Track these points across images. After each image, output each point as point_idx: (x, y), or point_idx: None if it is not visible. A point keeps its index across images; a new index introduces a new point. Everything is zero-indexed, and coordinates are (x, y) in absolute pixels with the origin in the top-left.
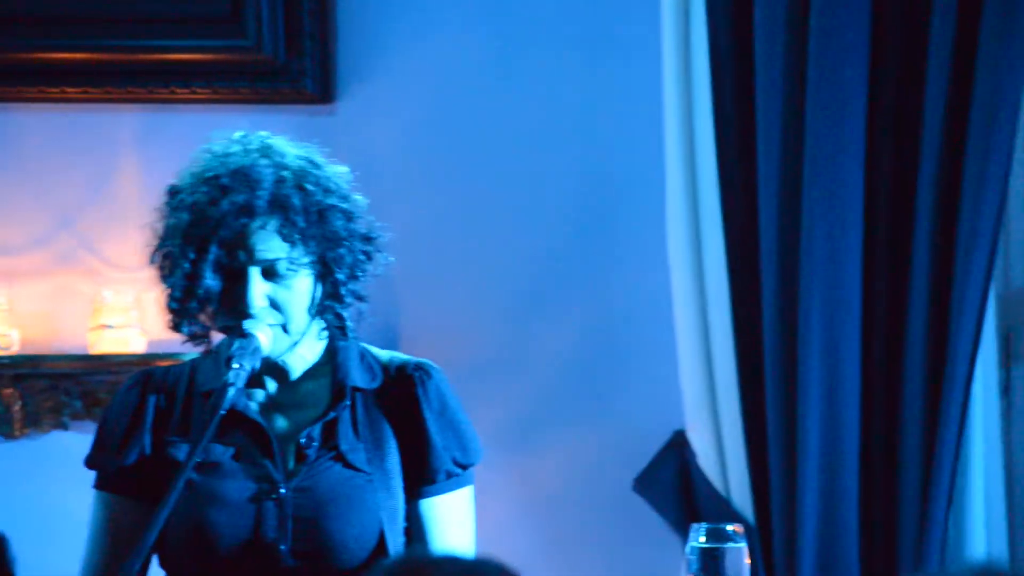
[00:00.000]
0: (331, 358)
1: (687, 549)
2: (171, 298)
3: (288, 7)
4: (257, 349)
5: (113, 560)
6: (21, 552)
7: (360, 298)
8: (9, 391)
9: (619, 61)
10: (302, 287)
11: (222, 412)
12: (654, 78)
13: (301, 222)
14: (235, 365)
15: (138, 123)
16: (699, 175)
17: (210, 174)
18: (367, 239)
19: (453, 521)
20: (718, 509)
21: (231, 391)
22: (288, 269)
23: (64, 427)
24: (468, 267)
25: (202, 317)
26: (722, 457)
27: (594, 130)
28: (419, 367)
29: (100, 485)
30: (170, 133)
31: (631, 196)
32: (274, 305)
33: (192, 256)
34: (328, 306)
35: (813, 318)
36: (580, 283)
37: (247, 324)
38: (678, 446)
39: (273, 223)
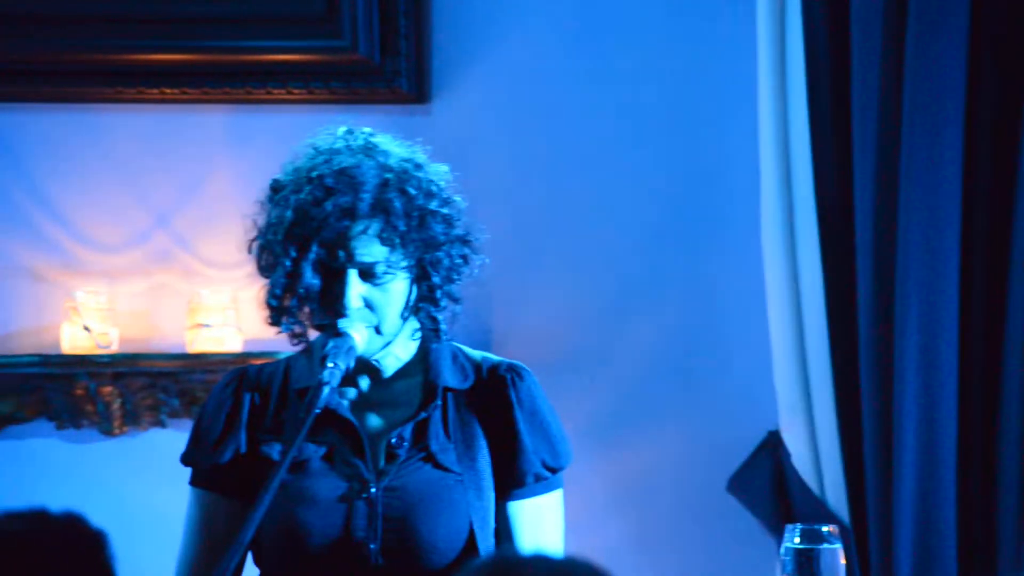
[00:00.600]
0: (424, 358)
1: (781, 550)
2: (271, 295)
3: (383, 7)
4: (352, 348)
5: (208, 556)
6: (120, 549)
7: (455, 300)
8: (109, 389)
9: (713, 58)
10: (398, 289)
11: (317, 411)
12: (749, 75)
13: (402, 226)
14: (330, 364)
15: (235, 123)
16: (794, 173)
17: (315, 173)
18: (464, 242)
19: (541, 524)
20: (813, 510)
21: (326, 390)
22: (385, 272)
23: (162, 425)
24: (561, 265)
25: (300, 315)
26: (817, 457)
27: (688, 128)
28: (511, 368)
29: (195, 482)
30: (266, 133)
31: (725, 195)
32: (369, 306)
33: (293, 254)
34: (422, 308)
35: (909, 317)
36: (673, 282)
37: (342, 323)
38: (772, 447)
39: (374, 226)
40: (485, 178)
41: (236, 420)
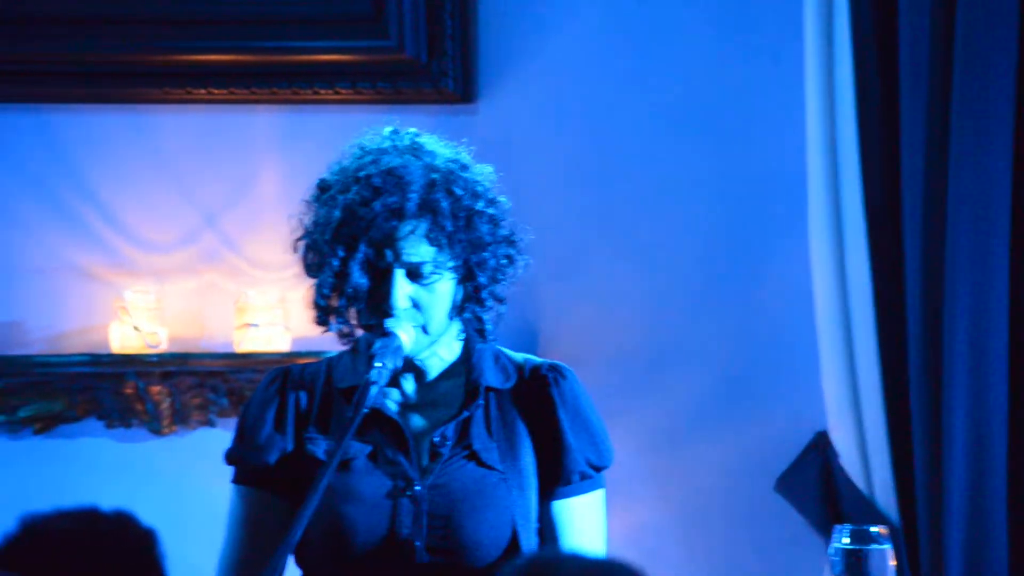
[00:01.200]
0: (467, 359)
1: (830, 551)
2: (318, 295)
3: (430, 8)
4: (399, 348)
5: (251, 554)
6: (169, 547)
7: (500, 300)
8: (158, 388)
9: (761, 59)
10: (444, 290)
11: (365, 410)
12: (797, 76)
13: (449, 226)
14: (377, 364)
15: (282, 123)
16: (841, 175)
17: (362, 173)
18: (510, 242)
19: (585, 523)
20: (862, 510)
21: (374, 389)
22: (432, 272)
23: (211, 424)
24: (608, 267)
25: (347, 314)
26: (865, 457)
27: (736, 129)
28: (553, 368)
29: (239, 480)
30: (313, 133)
31: (773, 194)
32: (416, 306)
33: (341, 254)
34: (468, 308)
35: (959, 316)
36: (721, 283)
37: (389, 323)
38: (821, 447)
39: (422, 226)
40: (531, 178)
41: (282, 419)
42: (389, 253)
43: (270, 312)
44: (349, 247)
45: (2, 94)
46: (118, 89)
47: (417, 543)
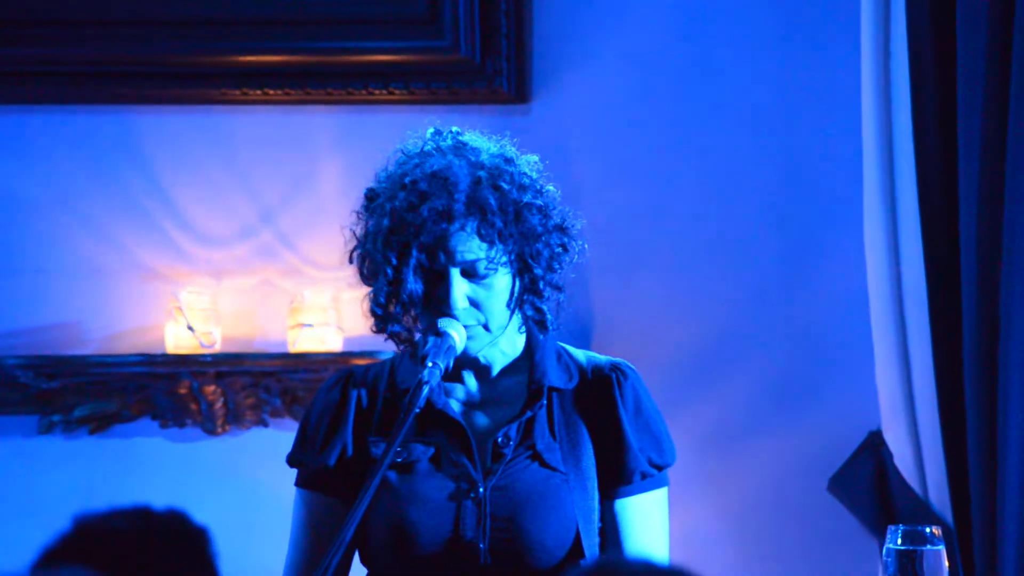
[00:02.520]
0: (529, 355)
1: (884, 551)
2: (375, 303)
3: (484, 8)
4: (451, 347)
5: (315, 558)
6: (223, 546)
7: (558, 288)
8: (212, 388)
9: (816, 59)
10: (501, 285)
11: (416, 410)
12: (853, 78)
13: (499, 222)
14: (429, 363)
15: (336, 123)
16: (897, 175)
17: (408, 179)
18: (562, 230)
19: (647, 522)
20: (915, 510)
21: (425, 389)
22: (487, 268)
23: (264, 424)
24: (662, 266)
25: (406, 320)
26: (919, 458)
27: (790, 129)
28: (615, 367)
29: (302, 483)
30: (367, 133)
31: (828, 194)
32: (474, 304)
33: (394, 262)
34: (527, 300)
35: (1014, 316)
36: (775, 283)
37: (443, 323)
38: (874, 447)
39: (471, 224)
40: (585, 178)
41: (342, 422)
42: (442, 255)
43: (324, 312)
44: (401, 253)
45: (65, 96)
46: (178, 90)
47: (481, 545)
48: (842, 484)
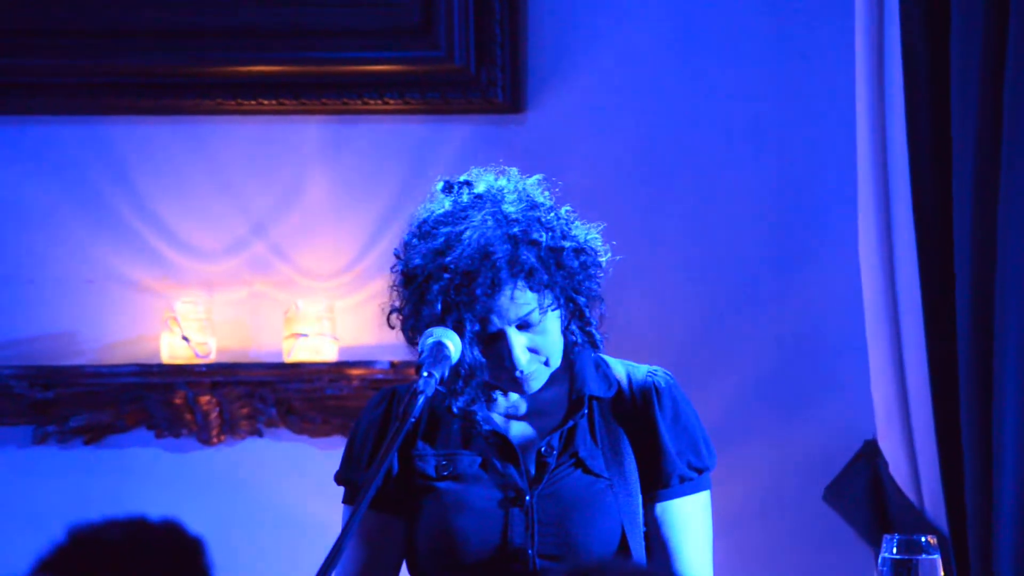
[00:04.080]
0: (569, 367)
1: (879, 561)
2: (439, 383)
3: (478, 18)
4: (447, 357)
5: (367, 572)
6: (217, 556)
7: (599, 301)
8: (207, 398)
9: (810, 62)
10: (553, 325)
11: (412, 420)
12: (846, 80)
13: (543, 276)
14: (425, 373)
15: (331, 133)
16: (892, 180)
17: (448, 260)
18: (591, 252)
19: (689, 524)
20: (911, 519)
21: (420, 399)
22: (540, 316)
23: (259, 434)
24: (658, 276)
25: (470, 387)
26: (915, 466)
27: (784, 134)
28: (652, 374)
29: (349, 500)
30: (362, 143)
31: (823, 203)
32: (533, 351)
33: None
34: (575, 327)
35: (1009, 325)
36: (771, 291)
37: (436, 332)
38: (869, 455)
39: (519, 284)
40: (579, 188)
41: (388, 438)
42: (496, 319)
43: (318, 322)
44: (457, 330)
45: (54, 107)
46: (170, 100)
47: (530, 551)
48: (838, 493)
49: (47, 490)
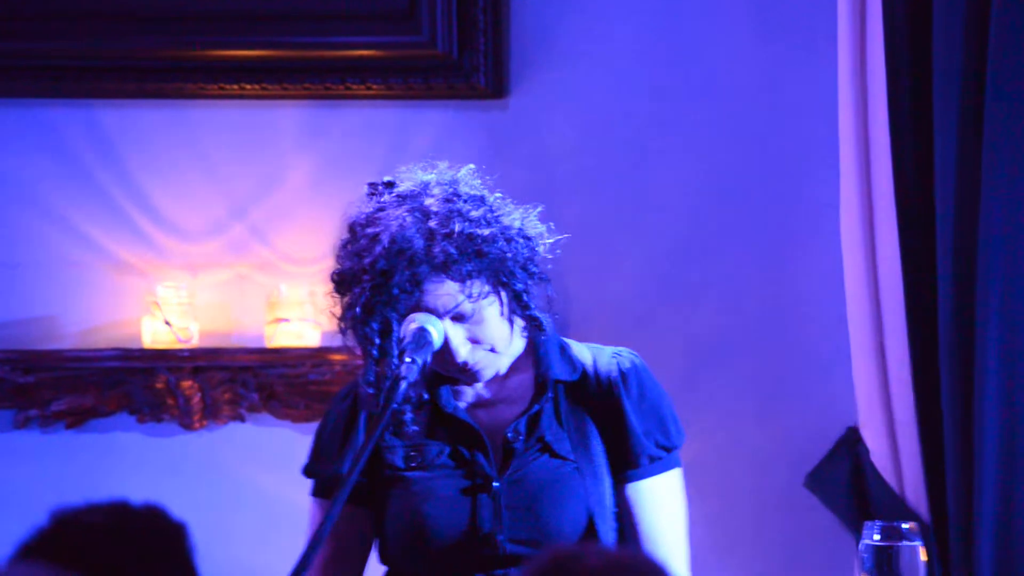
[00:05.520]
0: (533, 352)
1: (860, 547)
2: (365, 381)
3: (461, 3)
4: (429, 343)
5: (334, 565)
6: (200, 541)
7: (545, 281)
8: (189, 383)
9: (793, 56)
10: (490, 312)
11: (395, 406)
12: (829, 76)
13: (465, 266)
14: (407, 359)
15: (313, 118)
16: (873, 171)
17: (367, 260)
18: (525, 237)
19: (660, 504)
20: (892, 506)
21: (403, 384)
22: (472, 307)
23: (241, 419)
24: (638, 261)
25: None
26: (896, 453)
27: (767, 125)
28: (617, 355)
29: (317, 493)
30: (344, 128)
31: (804, 190)
32: (474, 340)
33: (378, 341)
34: (516, 311)
35: (990, 312)
36: (752, 280)
37: (419, 318)
38: (851, 442)
39: (440, 278)
40: (561, 173)
41: (355, 430)
42: (424, 315)
43: (301, 307)
44: (384, 331)
45: (37, 90)
46: (153, 84)
47: (499, 536)
48: (819, 480)
49: (28, 474)
